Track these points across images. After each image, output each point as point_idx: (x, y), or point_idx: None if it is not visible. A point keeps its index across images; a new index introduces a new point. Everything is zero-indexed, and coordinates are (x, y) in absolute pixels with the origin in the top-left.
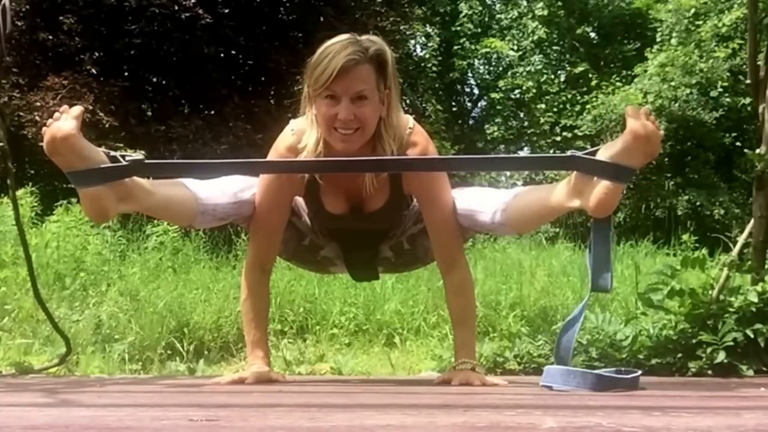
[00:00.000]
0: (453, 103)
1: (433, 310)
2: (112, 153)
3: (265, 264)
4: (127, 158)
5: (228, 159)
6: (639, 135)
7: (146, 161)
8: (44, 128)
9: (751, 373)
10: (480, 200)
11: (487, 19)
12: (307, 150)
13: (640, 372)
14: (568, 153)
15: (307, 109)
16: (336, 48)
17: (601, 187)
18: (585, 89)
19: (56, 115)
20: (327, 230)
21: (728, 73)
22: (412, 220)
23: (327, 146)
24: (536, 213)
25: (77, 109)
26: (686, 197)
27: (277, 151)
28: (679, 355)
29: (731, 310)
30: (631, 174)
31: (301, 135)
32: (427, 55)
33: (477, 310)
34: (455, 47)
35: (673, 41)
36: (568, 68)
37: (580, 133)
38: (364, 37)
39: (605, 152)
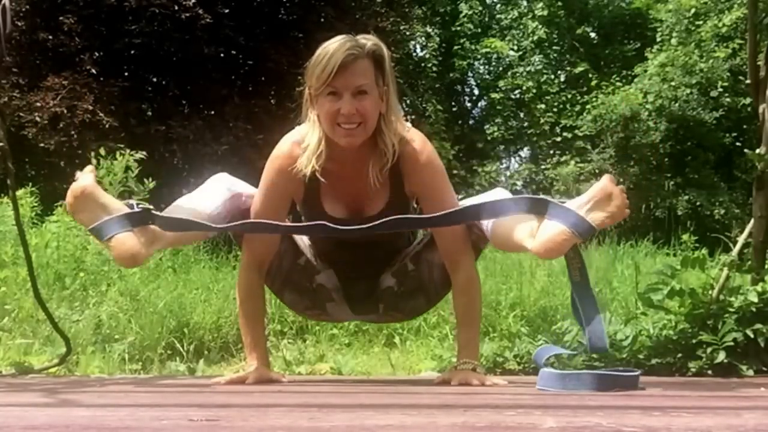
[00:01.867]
0: (453, 103)
1: (434, 310)
2: (129, 201)
3: (261, 264)
4: (140, 206)
5: (228, 159)
6: (604, 190)
7: (155, 213)
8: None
9: (751, 373)
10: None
11: (487, 19)
12: (309, 148)
13: (639, 372)
14: (540, 196)
15: (309, 111)
16: (334, 46)
17: (555, 232)
18: (585, 89)
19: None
20: (325, 254)
21: (728, 73)
22: (414, 242)
23: (329, 144)
24: (508, 241)
25: (89, 167)
26: (686, 197)
27: (280, 149)
28: (679, 355)
29: (731, 310)
30: (590, 230)
31: (303, 135)
32: (427, 55)
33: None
34: (455, 47)
35: (673, 41)
36: (568, 68)
37: (580, 133)
38: (359, 36)
39: (573, 203)
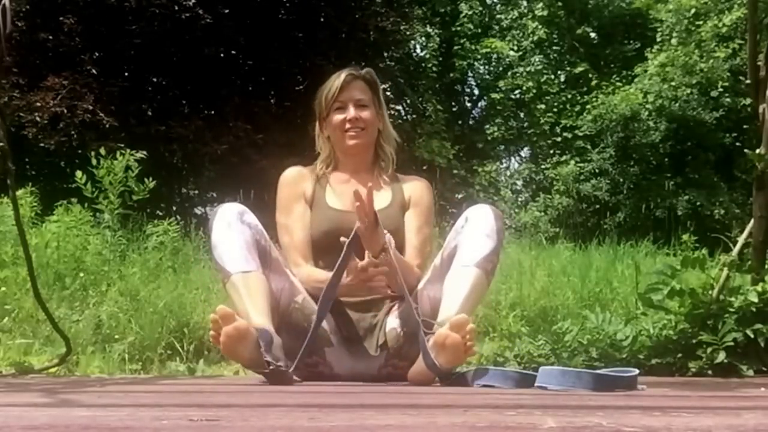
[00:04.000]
0: (453, 103)
1: None
2: (262, 329)
3: (306, 258)
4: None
5: (228, 159)
6: (437, 341)
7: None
8: (213, 334)
9: (751, 373)
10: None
11: (487, 19)
12: (321, 160)
13: (637, 371)
14: (421, 319)
15: (320, 137)
16: (336, 73)
17: (418, 370)
18: (585, 89)
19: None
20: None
21: (728, 73)
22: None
23: (337, 158)
24: None
25: (226, 310)
26: (686, 197)
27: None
28: (679, 355)
29: (731, 310)
30: (440, 371)
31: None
32: (427, 55)
33: (477, 309)
34: (455, 47)
35: (673, 41)
36: (568, 68)
37: (580, 133)
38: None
39: (432, 339)
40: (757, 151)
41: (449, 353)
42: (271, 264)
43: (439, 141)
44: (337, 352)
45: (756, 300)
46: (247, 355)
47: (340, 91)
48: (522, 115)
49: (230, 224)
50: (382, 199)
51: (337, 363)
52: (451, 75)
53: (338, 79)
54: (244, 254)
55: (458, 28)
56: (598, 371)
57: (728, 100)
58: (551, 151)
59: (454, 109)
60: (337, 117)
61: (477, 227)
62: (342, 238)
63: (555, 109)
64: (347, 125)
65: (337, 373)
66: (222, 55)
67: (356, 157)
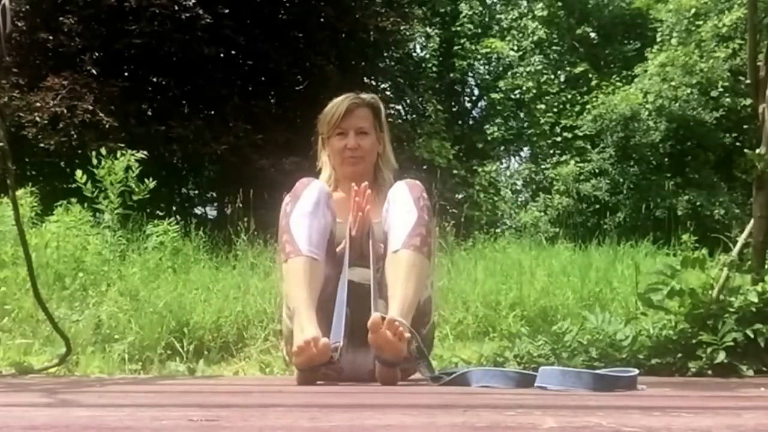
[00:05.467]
0: (453, 103)
1: (434, 310)
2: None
3: None
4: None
5: (228, 159)
6: (374, 345)
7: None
8: (298, 353)
9: (751, 373)
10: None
11: (487, 19)
12: (322, 180)
13: (637, 371)
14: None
15: (322, 154)
16: (341, 98)
17: (377, 367)
18: (585, 89)
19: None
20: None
21: (728, 73)
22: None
23: (338, 179)
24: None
25: (326, 341)
26: (686, 197)
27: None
28: (679, 355)
29: (731, 310)
30: (383, 361)
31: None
32: (427, 55)
33: (477, 309)
34: (455, 47)
35: (674, 41)
36: (568, 68)
37: (580, 133)
38: (361, 93)
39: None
40: (757, 151)
41: (386, 350)
42: (329, 250)
43: (439, 141)
44: (344, 346)
45: (756, 300)
46: (314, 365)
47: (343, 117)
48: (522, 115)
49: (318, 204)
50: (377, 214)
51: (341, 354)
52: (451, 75)
53: (342, 104)
54: (317, 240)
55: (458, 28)
56: (598, 371)
57: (728, 100)
58: (551, 151)
59: (454, 109)
60: (338, 143)
61: (396, 207)
62: (339, 248)
63: (555, 109)
64: (347, 152)
65: (339, 367)
66: (222, 55)
67: (355, 181)
